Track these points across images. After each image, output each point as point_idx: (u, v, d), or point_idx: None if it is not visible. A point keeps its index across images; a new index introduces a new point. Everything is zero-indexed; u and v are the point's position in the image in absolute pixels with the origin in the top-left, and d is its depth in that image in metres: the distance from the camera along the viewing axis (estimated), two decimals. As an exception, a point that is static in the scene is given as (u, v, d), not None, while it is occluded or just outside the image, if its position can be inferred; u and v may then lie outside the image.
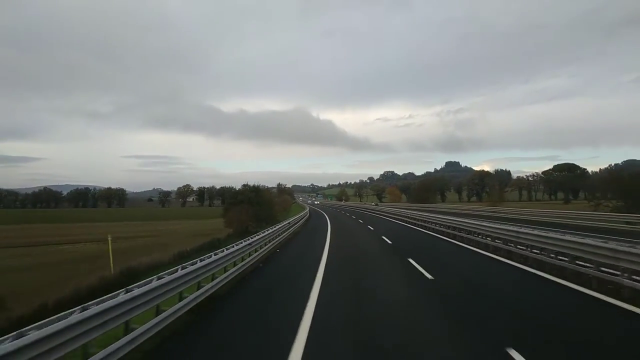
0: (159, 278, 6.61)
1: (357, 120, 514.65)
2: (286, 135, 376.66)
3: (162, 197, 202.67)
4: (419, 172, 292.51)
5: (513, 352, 5.18)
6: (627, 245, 8.55)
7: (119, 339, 4.95)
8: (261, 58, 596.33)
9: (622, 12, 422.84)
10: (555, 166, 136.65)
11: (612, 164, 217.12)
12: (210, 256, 9.44)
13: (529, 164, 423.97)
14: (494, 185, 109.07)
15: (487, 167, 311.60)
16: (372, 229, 30.08)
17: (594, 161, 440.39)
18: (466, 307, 7.93)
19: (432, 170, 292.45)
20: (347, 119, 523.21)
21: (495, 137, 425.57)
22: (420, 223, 30.46)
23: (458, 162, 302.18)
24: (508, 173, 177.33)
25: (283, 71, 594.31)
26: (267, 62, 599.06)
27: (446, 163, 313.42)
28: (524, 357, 5.03)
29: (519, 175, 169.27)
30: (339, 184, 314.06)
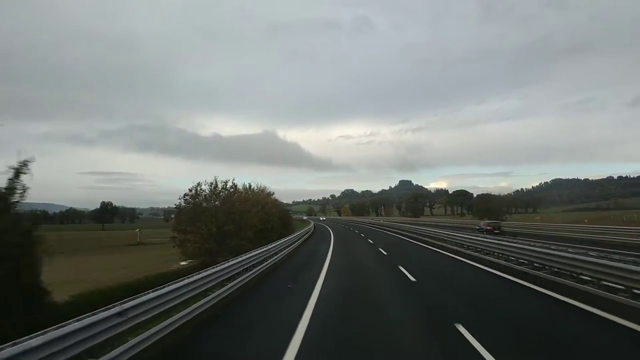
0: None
1: (320, 137, 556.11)
2: (255, 158, 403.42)
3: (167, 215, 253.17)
4: (376, 189, 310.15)
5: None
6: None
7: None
8: (229, 81, 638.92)
9: (566, 41, 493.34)
10: (453, 192, 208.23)
11: (542, 182, 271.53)
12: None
13: (483, 179, 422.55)
14: (384, 204, 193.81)
15: (444, 183, 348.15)
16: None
17: (543, 177, 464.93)
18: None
19: (388, 188, 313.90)
20: (310, 136, 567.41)
21: (452, 154, 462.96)
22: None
23: (410, 181, 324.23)
24: (446, 192, 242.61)
25: (249, 93, 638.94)
26: (234, 85, 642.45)
27: (400, 182, 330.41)
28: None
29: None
30: (304, 200, 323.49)
